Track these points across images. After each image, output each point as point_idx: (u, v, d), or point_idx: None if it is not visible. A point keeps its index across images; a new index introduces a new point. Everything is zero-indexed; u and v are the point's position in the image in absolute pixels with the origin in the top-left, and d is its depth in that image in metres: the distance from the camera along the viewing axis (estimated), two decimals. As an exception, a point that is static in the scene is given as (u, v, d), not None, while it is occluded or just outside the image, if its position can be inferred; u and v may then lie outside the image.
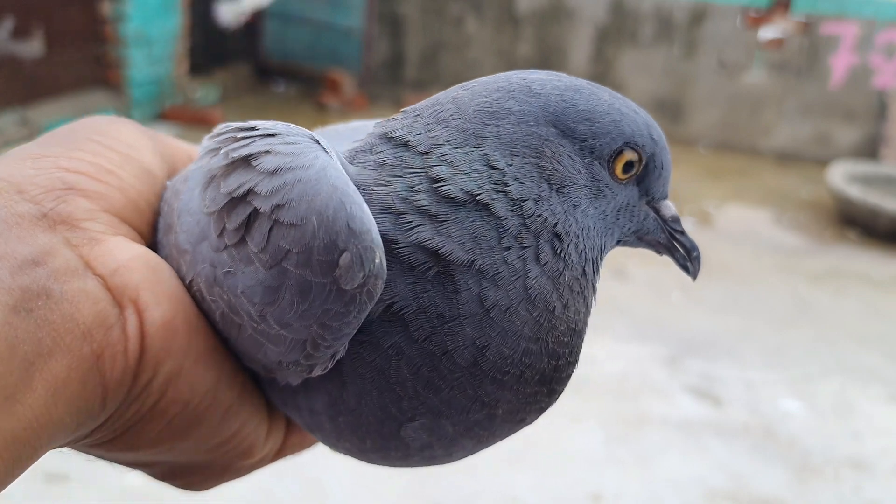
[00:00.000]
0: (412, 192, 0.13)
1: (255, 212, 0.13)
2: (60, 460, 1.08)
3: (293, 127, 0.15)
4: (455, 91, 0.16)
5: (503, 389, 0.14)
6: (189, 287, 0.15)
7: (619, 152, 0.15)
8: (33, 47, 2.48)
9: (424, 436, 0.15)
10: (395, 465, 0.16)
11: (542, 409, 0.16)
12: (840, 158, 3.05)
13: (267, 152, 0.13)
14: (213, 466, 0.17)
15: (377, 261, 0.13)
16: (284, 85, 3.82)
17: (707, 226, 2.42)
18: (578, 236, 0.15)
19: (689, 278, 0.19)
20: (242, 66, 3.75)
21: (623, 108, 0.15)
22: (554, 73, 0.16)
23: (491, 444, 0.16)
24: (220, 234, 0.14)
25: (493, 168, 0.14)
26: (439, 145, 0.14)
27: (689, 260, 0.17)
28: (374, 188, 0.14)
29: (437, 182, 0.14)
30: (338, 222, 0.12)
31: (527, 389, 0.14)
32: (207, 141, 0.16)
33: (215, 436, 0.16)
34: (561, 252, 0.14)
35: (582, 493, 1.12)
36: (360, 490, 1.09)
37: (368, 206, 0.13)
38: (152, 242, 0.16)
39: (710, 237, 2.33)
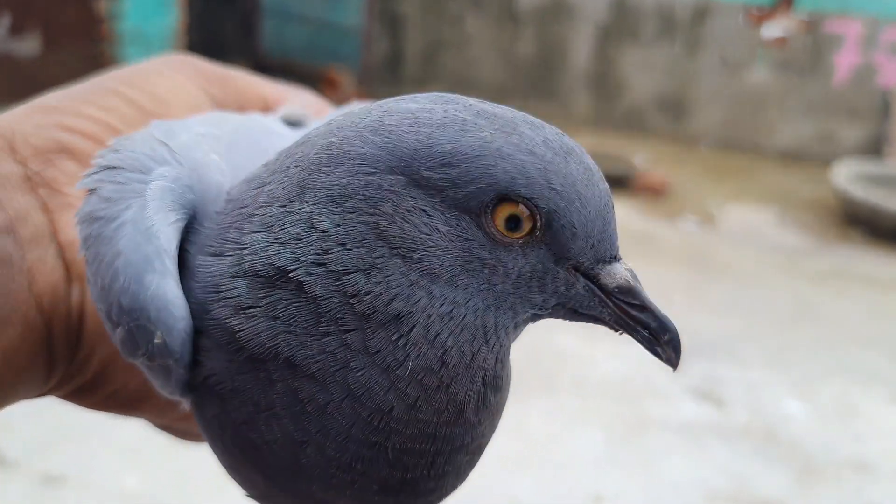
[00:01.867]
0: (232, 272, 0.11)
1: (86, 261, 0.12)
2: (59, 463, 1.07)
3: (150, 151, 0.13)
4: (319, 127, 0.12)
5: (335, 493, 0.12)
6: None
7: (495, 205, 0.11)
8: (30, 45, 2.47)
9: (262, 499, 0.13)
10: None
11: None
12: (844, 157, 3.03)
13: (93, 191, 0.12)
14: (188, 432, 0.18)
15: (156, 340, 0.11)
16: (283, 82, 3.84)
17: (710, 225, 2.41)
18: (432, 316, 0.11)
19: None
20: (240, 63, 3.74)
21: (507, 147, 0.12)
22: (440, 97, 0.13)
23: None
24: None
25: (317, 231, 0.11)
26: (268, 203, 0.12)
27: (658, 344, 0.13)
28: (206, 257, 0.12)
29: (245, 254, 0.12)
30: (111, 294, 0.11)
31: (370, 498, 0.12)
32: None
33: (164, 416, 0.16)
34: (400, 338, 0.11)
35: (583, 495, 1.11)
36: (360, 492, 1.08)
37: (201, 275, 0.12)
38: None
39: (712, 237, 2.32)
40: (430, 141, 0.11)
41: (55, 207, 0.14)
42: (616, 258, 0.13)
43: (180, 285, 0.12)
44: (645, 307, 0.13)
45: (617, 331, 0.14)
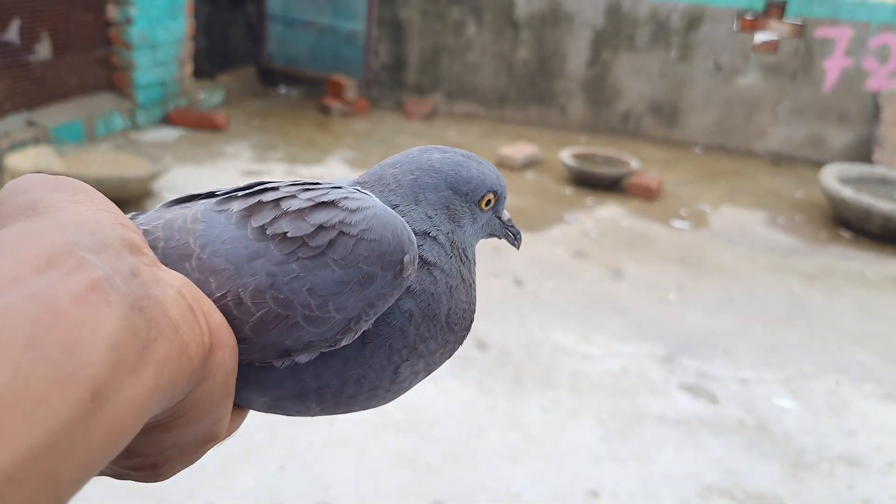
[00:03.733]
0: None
1: (341, 234, 0.21)
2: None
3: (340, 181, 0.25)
4: (388, 170, 0.26)
5: (453, 334, 0.25)
6: (221, 299, 0.20)
7: (483, 196, 0.27)
8: (40, 50, 2.50)
9: (408, 371, 0.24)
10: (368, 404, 0.24)
11: (459, 347, 0.26)
12: (834, 160, 3.08)
13: (346, 198, 0.22)
14: (193, 448, 0.20)
15: (417, 261, 0.22)
16: (287, 88, 3.85)
17: (702, 226, 2.44)
18: (469, 247, 0.27)
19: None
20: (246, 69, 3.78)
21: (485, 171, 0.27)
22: (444, 150, 0.27)
23: (431, 373, 0.26)
24: (293, 252, 0.21)
25: (430, 217, 0.25)
26: (396, 205, 0.25)
27: (515, 239, 0.30)
28: None
29: (411, 224, 0.24)
30: (403, 236, 0.22)
31: (461, 333, 0.25)
32: (218, 199, 0.24)
33: (218, 415, 0.20)
34: (468, 256, 0.26)
35: (580, 489, 1.13)
36: (362, 485, 1.10)
37: None
38: None
39: (705, 238, 2.35)
40: (460, 174, 0.27)
41: (149, 264, 0.18)
42: (504, 208, 0.29)
43: None
44: (513, 225, 0.30)
45: (500, 237, 0.29)
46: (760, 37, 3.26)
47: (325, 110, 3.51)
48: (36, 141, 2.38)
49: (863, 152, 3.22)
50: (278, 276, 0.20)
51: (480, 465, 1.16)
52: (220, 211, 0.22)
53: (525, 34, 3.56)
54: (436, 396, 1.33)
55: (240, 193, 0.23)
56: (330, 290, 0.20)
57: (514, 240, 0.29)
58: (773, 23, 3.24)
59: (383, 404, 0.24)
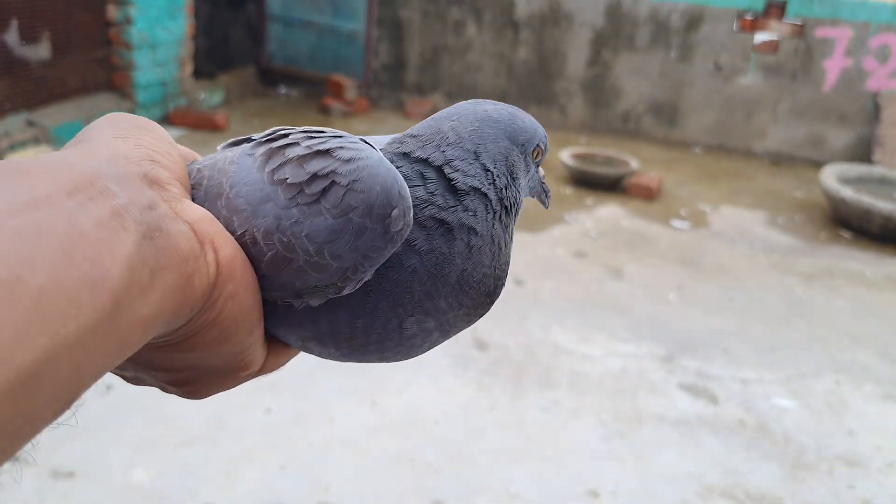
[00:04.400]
0: (432, 194, 0.23)
1: (333, 183, 0.21)
2: (68, 458, 1.09)
3: (332, 131, 0.23)
4: (445, 122, 0.25)
5: (468, 297, 0.24)
6: (241, 237, 0.21)
7: (535, 148, 0.26)
8: (40, 50, 2.50)
9: (416, 328, 0.23)
10: (383, 356, 0.24)
11: (483, 313, 0.25)
12: (833, 160, 3.08)
13: (341, 147, 0.22)
14: (223, 372, 0.23)
15: (410, 216, 0.21)
16: (287, 88, 3.85)
17: (702, 226, 2.44)
18: (518, 202, 0.26)
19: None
20: (246, 69, 3.78)
21: (535, 122, 0.26)
22: (496, 103, 0.26)
23: (450, 336, 0.25)
24: (293, 197, 0.21)
25: (488, 171, 0.24)
26: (451, 160, 0.24)
27: (546, 196, 0.29)
28: (413, 186, 0.23)
29: (453, 182, 0.23)
30: (393, 190, 0.21)
31: (480, 298, 0.24)
32: (252, 143, 0.24)
33: (241, 345, 0.22)
34: (512, 213, 0.25)
35: (580, 489, 1.13)
36: (362, 485, 1.10)
37: (412, 193, 0.23)
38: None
39: (705, 238, 2.35)
40: (517, 125, 0.26)
41: (169, 199, 0.20)
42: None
43: None
44: (545, 183, 0.29)
45: (534, 196, 0.28)
46: (760, 37, 3.26)
47: (325, 110, 3.50)
48: (36, 141, 2.38)
49: (863, 152, 3.22)
50: (283, 219, 0.21)
51: (480, 465, 1.17)
52: (251, 155, 0.23)
53: (525, 34, 3.56)
54: (436, 396, 1.33)
55: (264, 139, 0.23)
56: (324, 238, 0.20)
57: (546, 197, 0.28)
58: (773, 23, 3.24)
59: (403, 359, 0.24)
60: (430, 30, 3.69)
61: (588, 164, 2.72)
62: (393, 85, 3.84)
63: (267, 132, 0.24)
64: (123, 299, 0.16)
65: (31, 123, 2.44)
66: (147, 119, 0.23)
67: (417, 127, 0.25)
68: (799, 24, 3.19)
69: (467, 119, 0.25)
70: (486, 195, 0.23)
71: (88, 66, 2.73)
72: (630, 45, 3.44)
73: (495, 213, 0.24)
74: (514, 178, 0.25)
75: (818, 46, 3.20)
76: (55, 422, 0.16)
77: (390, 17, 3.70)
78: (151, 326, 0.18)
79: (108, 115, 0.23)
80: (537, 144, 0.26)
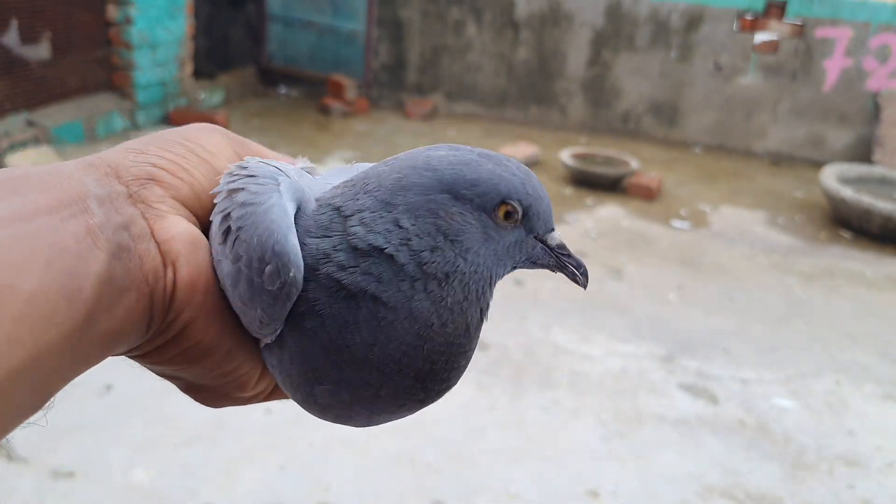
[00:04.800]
0: (334, 249, 0.20)
1: (229, 228, 0.20)
2: (68, 457, 1.09)
3: (270, 169, 0.21)
4: (379, 167, 0.21)
5: (385, 377, 0.20)
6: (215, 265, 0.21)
7: (499, 205, 0.21)
8: (40, 50, 2.50)
9: (328, 397, 0.21)
10: (321, 417, 0.22)
11: (421, 402, 0.21)
12: (833, 160, 3.08)
13: (243, 189, 0.20)
14: (218, 391, 0.23)
15: (291, 274, 0.19)
16: (288, 88, 3.84)
17: (702, 226, 2.44)
18: (465, 273, 0.20)
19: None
20: (246, 69, 3.77)
21: (503, 172, 0.21)
22: (453, 147, 0.22)
23: (384, 420, 0.22)
24: (216, 233, 0.21)
25: (401, 227, 0.20)
26: (361, 210, 0.20)
27: (577, 275, 0.23)
28: (312, 239, 0.21)
29: (351, 238, 0.20)
30: (267, 244, 0.19)
31: (404, 382, 0.20)
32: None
33: (218, 368, 0.22)
34: (445, 285, 0.20)
35: (580, 489, 1.13)
36: (362, 486, 1.10)
37: (309, 245, 0.20)
38: (208, 226, 0.23)
39: (705, 238, 2.34)
40: (462, 173, 0.21)
41: (150, 217, 0.20)
42: (554, 230, 0.23)
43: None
44: (570, 255, 0.23)
45: (555, 271, 0.23)
46: (760, 37, 3.26)
47: (325, 110, 3.50)
48: (36, 141, 2.37)
49: (863, 152, 3.21)
50: (215, 255, 0.20)
51: (480, 465, 1.16)
52: None
53: (525, 34, 3.56)
54: (436, 396, 1.33)
55: None
56: (230, 281, 0.20)
57: (576, 274, 0.22)
58: (773, 23, 3.24)
59: (350, 424, 0.21)
60: (430, 30, 3.69)
61: (588, 164, 2.72)
62: (393, 85, 3.84)
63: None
64: (94, 313, 0.17)
65: (31, 123, 2.44)
66: (208, 128, 0.23)
67: (361, 172, 0.22)
68: (799, 24, 3.19)
69: (400, 165, 0.21)
70: (392, 258, 0.19)
71: (88, 66, 2.73)
72: (630, 45, 3.44)
73: (413, 281, 0.19)
74: (451, 241, 0.20)
75: (818, 46, 3.20)
76: (25, 422, 0.17)
77: (390, 17, 3.70)
78: (114, 342, 0.18)
79: (193, 125, 0.23)
80: (502, 201, 0.20)
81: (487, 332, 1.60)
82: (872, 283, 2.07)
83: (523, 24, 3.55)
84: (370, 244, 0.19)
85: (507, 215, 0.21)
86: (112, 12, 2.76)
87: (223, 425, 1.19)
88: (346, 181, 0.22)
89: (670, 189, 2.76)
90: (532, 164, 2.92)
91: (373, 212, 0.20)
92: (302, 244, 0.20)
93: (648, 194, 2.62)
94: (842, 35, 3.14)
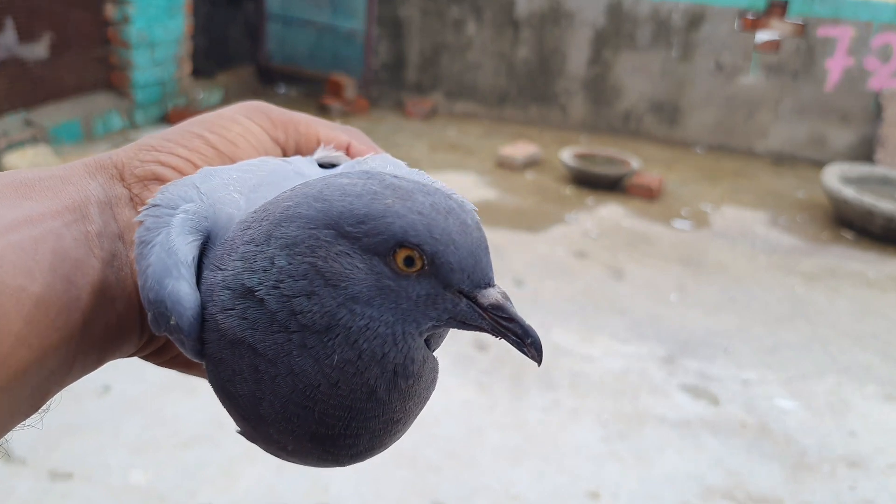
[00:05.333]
0: (220, 286, 0.18)
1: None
2: (66, 459, 1.09)
3: (178, 195, 0.19)
4: (288, 191, 0.18)
5: (284, 435, 0.18)
6: None
7: (394, 249, 0.17)
8: (38, 50, 2.50)
9: (250, 440, 0.19)
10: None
11: (333, 462, 0.19)
12: (835, 160, 3.07)
13: (141, 223, 0.19)
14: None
15: (171, 322, 0.17)
16: (286, 88, 3.84)
17: (704, 226, 2.43)
18: (352, 328, 0.17)
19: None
20: (245, 68, 3.77)
21: (401, 209, 0.17)
22: (364, 174, 0.18)
23: (318, 466, 0.19)
24: None
25: (276, 266, 0.17)
26: (247, 243, 0.17)
27: (523, 345, 0.18)
28: (210, 273, 0.18)
29: (228, 275, 0.17)
30: (143, 291, 0.18)
31: (303, 445, 0.18)
32: None
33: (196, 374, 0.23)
34: (328, 341, 0.17)
35: (580, 490, 1.13)
36: (362, 486, 1.10)
37: (206, 280, 0.18)
38: None
39: (706, 238, 2.34)
40: (351, 206, 0.17)
41: None
42: (490, 285, 0.18)
43: (195, 286, 0.18)
44: (512, 319, 0.18)
45: (497, 336, 0.18)
46: (762, 36, 3.25)
47: (324, 109, 3.49)
48: (34, 140, 2.36)
49: (865, 152, 3.21)
50: None
51: (481, 465, 1.16)
52: None
53: (525, 33, 3.54)
54: (436, 396, 1.32)
55: None
56: (146, 311, 0.18)
57: (521, 344, 0.17)
58: (775, 22, 3.23)
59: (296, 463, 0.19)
60: (430, 28, 3.68)
61: (588, 164, 2.71)
62: (392, 84, 3.82)
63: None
64: (89, 320, 0.17)
65: (29, 123, 2.43)
66: (240, 113, 0.22)
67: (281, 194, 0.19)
68: (800, 23, 3.18)
69: (302, 190, 0.17)
70: (263, 302, 0.16)
71: (86, 66, 2.73)
72: (631, 44, 3.42)
73: (289, 333, 0.16)
74: (332, 286, 0.16)
75: (820, 46, 3.18)
76: (22, 424, 0.17)
77: (390, 15, 3.69)
78: (108, 349, 0.19)
79: (244, 104, 0.22)
80: (398, 244, 0.16)
81: (487, 332, 1.59)
82: (874, 284, 2.06)
83: (523, 22, 3.53)
84: (242, 284, 0.17)
85: (408, 262, 0.17)
86: (110, 11, 2.75)
87: (222, 426, 1.19)
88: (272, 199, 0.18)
89: (671, 189, 2.76)
90: (532, 163, 2.91)
91: (257, 245, 0.17)
92: (203, 279, 0.18)
93: (649, 194, 2.61)
94: (843, 34, 3.13)
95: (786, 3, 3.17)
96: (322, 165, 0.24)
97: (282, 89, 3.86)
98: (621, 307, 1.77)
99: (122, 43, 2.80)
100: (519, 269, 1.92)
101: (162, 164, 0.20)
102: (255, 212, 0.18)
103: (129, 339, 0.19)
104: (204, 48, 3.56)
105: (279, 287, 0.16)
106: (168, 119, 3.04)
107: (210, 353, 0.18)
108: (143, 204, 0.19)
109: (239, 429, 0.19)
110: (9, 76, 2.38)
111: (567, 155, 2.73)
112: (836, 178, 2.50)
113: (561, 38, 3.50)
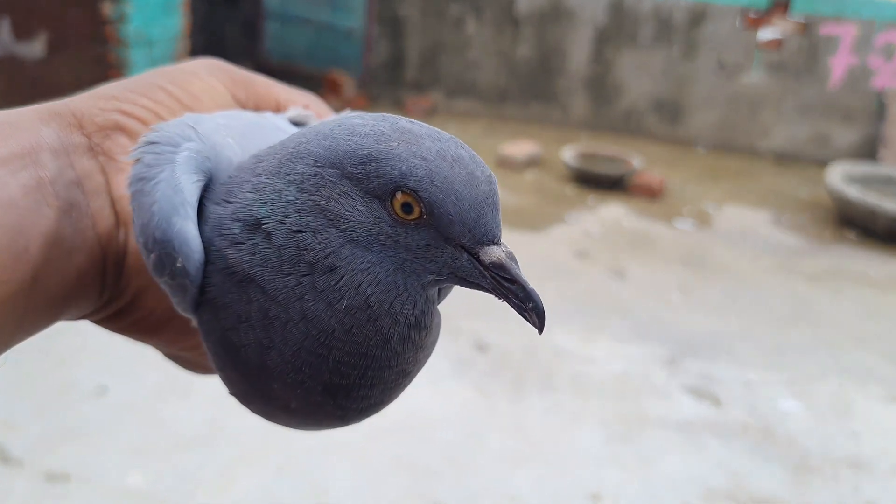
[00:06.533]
0: (230, 219, 0.17)
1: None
2: (63, 460, 1.08)
3: (177, 133, 0.18)
4: (305, 128, 0.18)
5: (289, 389, 0.17)
6: None
7: (394, 194, 0.16)
8: (35, 48, 2.49)
9: (245, 404, 0.18)
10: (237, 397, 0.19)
11: (339, 419, 0.18)
12: (839, 159, 3.05)
13: (139, 160, 0.17)
14: (192, 362, 0.22)
15: (178, 264, 0.16)
16: (292, 86, 3.85)
17: (706, 226, 2.42)
18: (355, 270, 0.16)
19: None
20: (243, 66, 3.75)
21: (403, 153, 0.16)
22: (379, 117, 0.17)
23: (317, 429, 0.18)
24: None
25: (283, 200, 0.16)
26: (259, 175, 0.17)
27: (524, 309, 0.17)
28: (215, 207, 0.17)
29: (240, 206, 0.17)
30: (148, 230, 0.16)
31: (312, 397, 0.17)
32: None
33: (179, 342, 0.20)
34: (336, 283, 0.16)
35: (582, 493, 1.12)
36: (361, 489, 1.09)
37: (210, 216, 0.17)
38: None
39: (708, 238, 2.33)
40: (356, 146, 0.16)
41: (111, 171, 0.19)
42: (495, 242, 0.17)
43: (197, 227, 0.17)
44: (515, 280, 0.17)
45: (498, 297, 0.17)
46: (764, 34, 3.23)
47: (324, 108, 3.49)
48: (32, 139, 2.36)
49: (868, 151, 3.19)
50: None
51: (481, 468, 1.15)
52: None
53: (526, 31, 3.53)
54: (435, 399, 1.32)
55: None
56: (144, 254, 0.17)
57: (522, 308, 0.17)
58: (778, 20, 3.21)
59: (286, 426, 0.18)
60: (430, 27, 3.66)
61: (590, 163, 2.70)
62: (391, 82, 3.81)
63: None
64: (40, 274, 0.16)
65: (27, 121, 2.42)
66: (199, 68, 0.21)
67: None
68: (803, 21, 3.16)
69: (308, 130, 0.17)
70: (270, 236, 0.16)
71: (83, 64, 2.71)
72: (632, 43, 3.40)
73: (300, 276, 0.15)
74: (334, 226, 0.16)
75: (823, 44, 3.16)
76: None
77: (389, 13, 3.67)
78: (63, 305, 0.17)
79: (174, 67, 0.21)
80: (396, 189, 0.16)
81: (488, 333, 1.59)
82: (877, 284, 2.05)
83: (524, 20, 3.51)
84: (252, 216, 0.16)
85: (405, 208, 0.16)
86: (107, 9, 2.74)
87: (219, 428, 1.18)
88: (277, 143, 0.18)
89: (673, 188, 2.74)
90: (533, 162, 2.90)
91: (268, 177, 0.16)
92: (206, 218, 0.17)
93: (651, 193, 2.59)
94: (846, 33, 3.11)
95: (788, 1, 3.15)
96: (295, 124, 0.23)
97: (281, 88, 3.85)
98: (623, 308, 1.76)
99: (120, 41, 2.79)
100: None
101: (125, 113, 0.19)
102: (269, 147, 0.18)
103: (87, 297, 0.18)
104: (202, 46, 3.54)
105: (285, 222, 0.16)
106: (167, 118, 3.02)
107: (211, 300, 0.16)
108: (105, 154, 0.18)
109: (232, 390, 0.18)
110: (5, 74, 2.39)
111: (568, 154, 2.71)
112: (839, 177, 2.48)
113: (562, 36, 3.49)
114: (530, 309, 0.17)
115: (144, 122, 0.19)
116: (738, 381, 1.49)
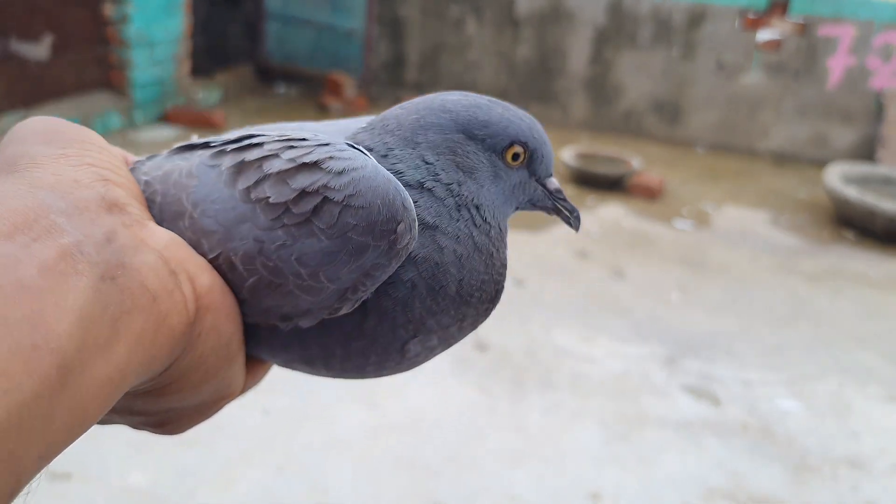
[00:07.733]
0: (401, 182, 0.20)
1: (326, 200, 0.18)
2: (64, 459, 1.08)
3: (327, 134, 0.21)
4: (395, 110, 0.22)
5: (470, 307, 0.21)
6: (215, 260, 0.19)
7: (508, 146, 0.22)
8: (37, 49, 2.49)
9: (419, 348, 0.21)
10: (379, 374, 0.22)
11: (486, 318, 0.23)
12: (837, 159, 3.06)
13: (331, 157, 0.19)
14: (206, 406, 0.20)
15: (416, 228, 0.19)
16: (285, 86, 3.83)
17: (705, 226, 2.43)
18: (488, 207, 0.22)
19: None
20: (244, 67, 3.76)
21: (511, 117, 0.22)
22: (464, 93, 0.23)
23: (451, 346, 0.23)
24: (278, 217, 0.19)
25: (428, 164, 0.21)
26: (392, 149, 0.21)
27: (571, 218, 0.24)
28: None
29: (400, 175, 0.20)
30: (396, 202, 0.19)
31: (482, 306, 0.22)
32: (212, 151, 0.21)
33: (225, 377, 0.19)
34: (485, 217, 0.22)
35: (581, 492, 1.12)
36: (361, 488, 1.09)
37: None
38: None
39: (708, 238, 2.33)
40: (476, 115, 0.22)
41: (130, 223, 0.16)
42: (552, 175, 0.24)
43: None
44: (566, 199, 0.24)
45: (550, 213, 0.25)
46: (763, 35, 3.24)
47: (323, 108, 3.49)
48: (33, 139, 2.36)
49: (866, 151, 3.20)
50: (265, 242, 0.18)
51: (481, 467, 1.15)
52: (213, 166, 0.20)
53: (525, 32, 3.53)
54: (435, 398, 1.32)
55: (229, 148, 0.20)
56: (319, 261, 0.18)
57: (570, 217, 0.24)
58: (776, 21, 3.22)
59: (401, 372, 0.22)
60: (430, 27, 3.67)
61: (589, 164, 2.71)
62: (392, 83, 3.82)
63: (230, 137, 0.21)
64: (75, 362, 0.13)
65: (28, 122, 2.42)
66: (76, 125, 0.19)
67: (372, 118, 0.23)
68: (802, 22, 3.17)
69: (415, 107, 0.22)
70: (431, 191, 0.20)
71: (85, 65, 2.72)
72: (632, 43, 3.41)
73: (464, 220, 0.20)
74: (470, 177, 0.21)
75: (821, 45, 3.17)
76: None
77: (389, 14, 3.68)
78: (119, 384, 0.15)
79: (32, 122, 0.18)
80: (511, 143, 0.21)
81: (487, 333, 1.59)
82: (876, 284, 2.06)
83: (524, 21, 3.52)
84: (417, 180, 0.20)
85: (515, 157, 0.22)
86: (109, 10, 2.75)
87: (220, 427, 1.18)
88: (363, 127, 0.22)
89: (672, 188, 2.75)
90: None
91: (402, 149, 0.21)
92: None
93: (650, 194, 2.60)
94: (845, 33, 3.12)
95: (787, 2, 3.16)
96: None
97: (281, 88, 3.85)
98: (622, 308, 1.76)
99: (121, 42, 2.79)
100: (519, 270, 1.91)
101: (95, 166, 0.17)
102: (366, 135, 0.21)
103: (154, 359, 0.15)
104: (203, 47, 3.55)
105: (437, 179, 0.20)
106: (167, 118, 3.03)
107: (408, 262, 0.20)
108: (116, 206, 0.16)
109: (409, 335, 0.20)
110: (8, 75, 2.38)
111: (567, 154, 2.72)
112: (837, 177, 2.49)
113: (561, 37, 3.49)
114: (575, 217, 0.24)
115: (117, 173, 0.18)
116: (738, 381, 1.49)
